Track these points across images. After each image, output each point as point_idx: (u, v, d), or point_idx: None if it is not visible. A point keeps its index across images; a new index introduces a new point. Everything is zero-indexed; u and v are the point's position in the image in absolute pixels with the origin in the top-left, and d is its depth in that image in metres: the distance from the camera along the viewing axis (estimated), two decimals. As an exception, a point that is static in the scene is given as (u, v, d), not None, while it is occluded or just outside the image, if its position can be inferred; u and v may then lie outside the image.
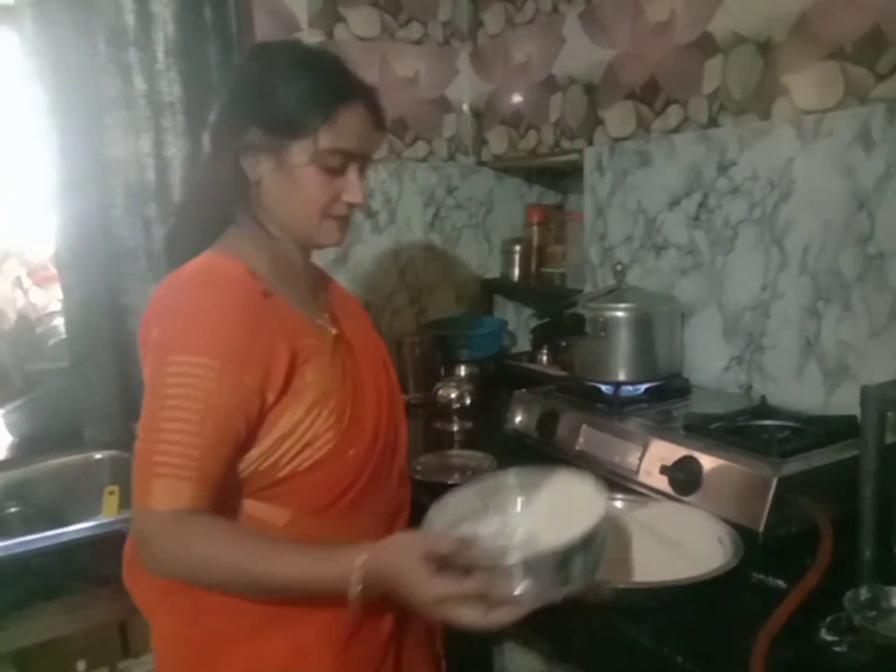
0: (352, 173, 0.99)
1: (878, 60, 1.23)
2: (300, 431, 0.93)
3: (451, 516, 0.92)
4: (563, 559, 0.78)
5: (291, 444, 0.93)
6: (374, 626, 1.00)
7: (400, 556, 0.83)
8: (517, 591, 0.77)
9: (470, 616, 0.79)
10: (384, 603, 0.99)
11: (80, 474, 1.72)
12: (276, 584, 0.87)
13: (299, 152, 0.95)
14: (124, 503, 1.59)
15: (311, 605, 0.93)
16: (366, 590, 0.83)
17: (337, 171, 0.97)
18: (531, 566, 0.78)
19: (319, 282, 1.14)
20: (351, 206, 1.01)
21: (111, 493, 1.61)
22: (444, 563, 0.80)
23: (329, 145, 0.95)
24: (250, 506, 0.95)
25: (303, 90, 0.95)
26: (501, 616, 0.79)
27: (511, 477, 0.98)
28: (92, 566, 1.38)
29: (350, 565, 0.83)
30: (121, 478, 1.67)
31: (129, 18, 1.67)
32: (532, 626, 1.08)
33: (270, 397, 0.91)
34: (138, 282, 1.76)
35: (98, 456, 1.75)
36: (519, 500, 0.97)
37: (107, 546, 1.37)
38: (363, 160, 1.00)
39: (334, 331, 1.05)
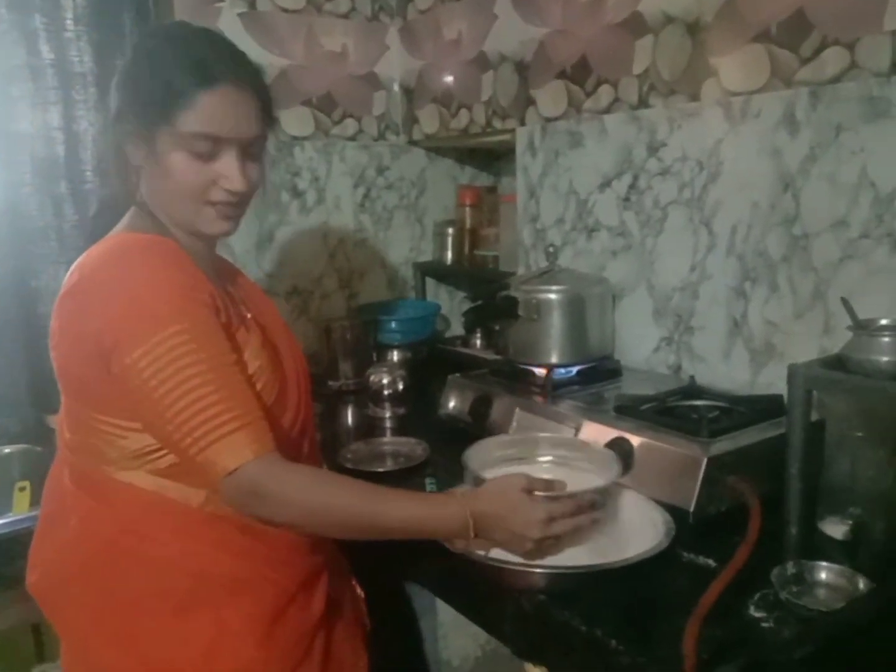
0: (228, 158, 0.94)
1: (802, 44, 1.25)
2: None
3: (490, 455, 1.14)
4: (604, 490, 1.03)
5: None
6: (300, 612, 0.99)
7: (503, 495, 0.95)
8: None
9: (570, 525, 0.95)
10: (312, 588, 1.01)
11: (-13, 469, 1.63)
12: (393, 526, 0.92)
13: (165, 140, 0.93)
14: (36, 499, 1.51)
15: (234, 588, 0.94)
16: (477, 529, 0.93)
17: (209, 156, 0.93)
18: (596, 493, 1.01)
19: (226, 273, 1.11)
20: (232, 192, 0.96)
21: (22, 489, 1.52)
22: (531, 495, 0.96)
23: (191, 129, 0.92)
24: (161, 485, 0.92)
25: (164, 75, 0.92)
26: (583, 521, 0.97)
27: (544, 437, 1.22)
28: (1, 567, 1.30)
29: (462, 508, 0.93)
30: (32, 472, 1.58)
31: (34, -19, 1.57)
32: (464, 610, 1.09)
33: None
34: (49, 264, 1.66)
35: (7, 450, 1.66)
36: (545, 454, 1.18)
37: (17, 545, 1.29)
38: (242, 144, 0.95)
39: (249, 315, 1.04)
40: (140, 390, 0.85)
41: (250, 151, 0.97)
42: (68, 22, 1.63)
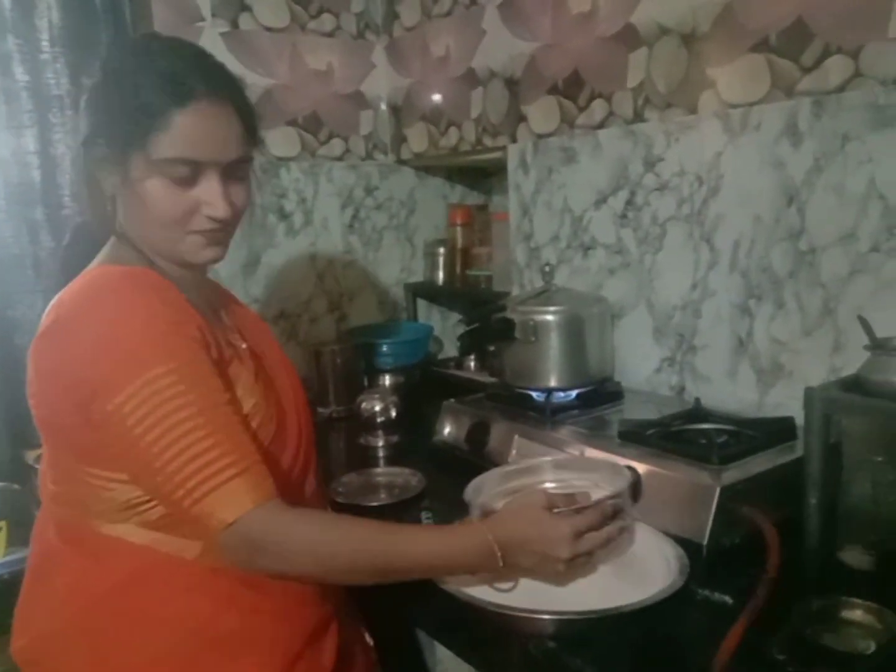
0: (209, 183, 0.86)
1: (803, 53, 1.21)
2: None
3: (491, 491, 1.08)
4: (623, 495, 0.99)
5: None
6: (315, 657, 0.92)
7: (524, 516, 0.90)
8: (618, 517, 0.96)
9: (600, 538, 0.90)
10: (321, 642, 0.93)
11: (-39, 509, 1.55)
12: (411, 566, 0.87)
13: (138, 164, 0.85)
14: (13, 540, 1.44)
15: (238, 648, 0.86)
16: (503, 556, 0.86)
17: (188, 182, 0.86)
18: (619, 497, 0.97)
19: (218, 298, 1.04)
20: (216, 220, 0.88)
21: (-2, 529, 1.45)
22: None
23: (166, 155, 0.84)
24: (153, 538, 0.85)
25: (133, 93, 0.84)
26: (612, 531, 0.92)
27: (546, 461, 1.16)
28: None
29: (484, 536, 0.86)
30: (10, 512, 1.51)
31: (6, 2, 1.52)
32: (467, 656, 1.02)
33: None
34: (25, 293, 1.60)
35: (-18, 488, 1.58)
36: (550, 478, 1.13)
37: (-9, 592, 1.23)
38: (224, 166, 0.87)
39: (244, 345, 0.97)
40: (125, 439, 0.78)
41: (234, 173, 0.89)
42: (44, 43, 1.58)
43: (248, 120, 0.90)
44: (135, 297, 0.83)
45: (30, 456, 1.60)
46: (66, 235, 1.01)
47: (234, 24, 1.85)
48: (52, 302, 0.87)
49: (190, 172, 0.85)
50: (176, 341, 0.81)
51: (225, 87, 0.88)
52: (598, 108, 1.55)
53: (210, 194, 0.86)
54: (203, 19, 1.81)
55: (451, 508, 1.14)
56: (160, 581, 0.85)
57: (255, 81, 1.87)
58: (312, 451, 1.02)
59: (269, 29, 1.91)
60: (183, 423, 0.78)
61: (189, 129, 0.84)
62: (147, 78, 0.84)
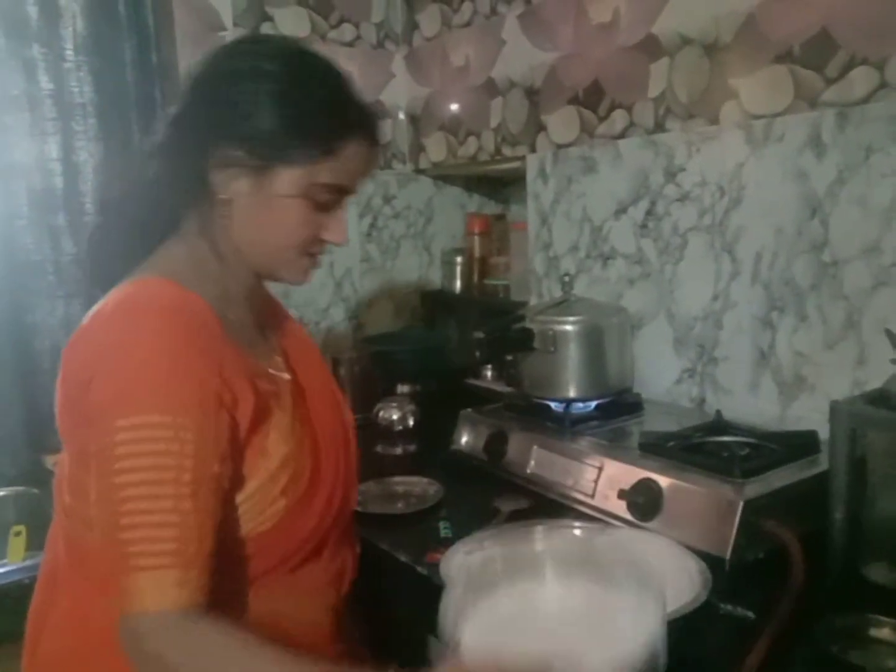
0: (341, 210, 0.88)
1: (827, 64, 1.20)
2: (256, 498, 0.82)
3: (472, 586, 0.77)
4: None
5: (243, 512, 0.81)
6: None
7: None
8: None
9: None
10: None
11: (-19, 513, 1.56)
12: None
13: (288, 181, 0.83)
14: (32, 544, 1.44)
15: None
16: None
17: (326, 207, 0.86)
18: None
19: (271, 315, 1.01)
20: (334, 245, 0.90)
21: (17, 533, 1.45)
22: None
23: (327, 181, 0.84)
24: None
25: (302, 113, 0.82)
26: None
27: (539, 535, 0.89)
28: (-6, 620, 1.23)
29: None
30: (28, 516, 1.52)
31: (32, 11, 1.53)
32: None
33: (236, 452, 0.80)
34: (45, 298, 1.61)
35: (2, 493, 1.59)
36: (549, 571, 0.82)
37: (11, 596, 1.24)
38: (352, 194, 0.90)
39: (287, 376, 0.93)
40: (101, 466, 0.74)
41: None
42: (68, 52, 1.60)
43: (379, 153, 0.94)
44: (172, 332, 0.78)
45: (48, 461, 1.61)
46: (88, 240, 0.95)
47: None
48: (95, 307, 0.83)
49: (333, 199, 0.86)
50: (190, 396, 0.75)
51: (375, 121, 0.90)
52: (619, 118, 1.55)
53: (338, 222, 0.88)
54: (225, 28, 1.83)
55: (469, 518, 1.14)
56: None
57: (275, 90, 1.88)
58: (354, 488, 0.98)
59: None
60: (153, 485, 0.72)
61: (351, 159, 0.85)
62: (326, 101, 0.84)
